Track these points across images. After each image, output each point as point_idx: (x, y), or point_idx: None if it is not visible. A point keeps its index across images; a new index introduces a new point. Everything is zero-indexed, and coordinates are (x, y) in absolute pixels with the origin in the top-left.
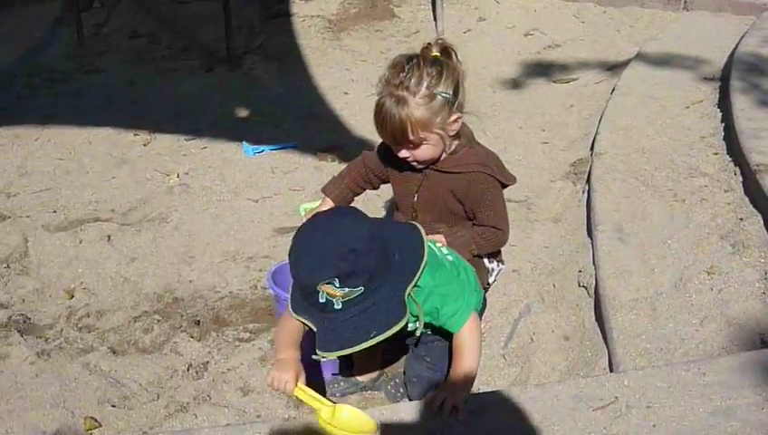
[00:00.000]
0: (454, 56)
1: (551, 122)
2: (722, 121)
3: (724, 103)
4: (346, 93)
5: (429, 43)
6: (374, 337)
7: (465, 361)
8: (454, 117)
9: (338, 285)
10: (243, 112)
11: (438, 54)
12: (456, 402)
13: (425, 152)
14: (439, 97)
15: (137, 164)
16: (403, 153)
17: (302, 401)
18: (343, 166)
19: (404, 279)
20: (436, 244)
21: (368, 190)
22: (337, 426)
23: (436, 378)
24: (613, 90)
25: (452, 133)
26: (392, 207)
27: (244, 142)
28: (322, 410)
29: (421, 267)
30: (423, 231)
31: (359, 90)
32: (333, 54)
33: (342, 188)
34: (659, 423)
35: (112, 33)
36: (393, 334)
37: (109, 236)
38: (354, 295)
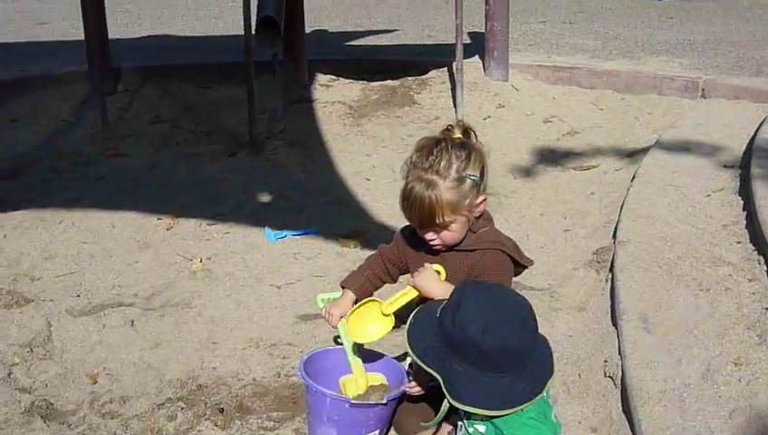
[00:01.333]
0: (474, 137)
1: (572, 210)
2: (743, 210)
3: (745, 191)
4: (368, 179)
5: (451, 125)
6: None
7: None
8: (480, 199)
9: None
10: (265, 197)
11: (461, 136)
12: None
13: (451, 235)
14: (468, 180)
15: (160, 248)
16: (429, 235)
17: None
18: (366, 252)
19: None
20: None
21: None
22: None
23: None
24: (633, 177)
25: (477, 215)
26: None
27: (266, 227)
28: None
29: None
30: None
31: (380, 175)
32: (354, 140)
33: (363, 281)
34: None
35: (136, 118)
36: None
37: (132, 321)
38: None
